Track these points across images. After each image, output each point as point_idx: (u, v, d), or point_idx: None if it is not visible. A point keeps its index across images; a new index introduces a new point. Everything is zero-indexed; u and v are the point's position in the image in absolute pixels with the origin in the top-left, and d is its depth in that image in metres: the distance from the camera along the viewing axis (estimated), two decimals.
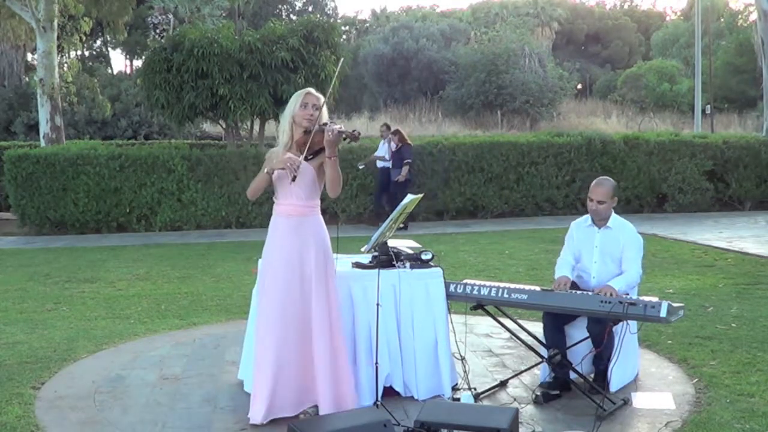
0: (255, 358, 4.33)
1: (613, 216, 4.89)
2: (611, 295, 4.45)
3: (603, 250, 4.83)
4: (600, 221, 4.87)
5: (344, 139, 4.10)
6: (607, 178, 4.98)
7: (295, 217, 4.26)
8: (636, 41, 54.22)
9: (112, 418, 4.49)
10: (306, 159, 4.21)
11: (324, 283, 4.27)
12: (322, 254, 4.29)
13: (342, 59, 5.16)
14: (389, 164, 13.65)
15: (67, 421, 4.45)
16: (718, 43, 43.27)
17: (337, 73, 5.17)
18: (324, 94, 4.38)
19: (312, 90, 4.35)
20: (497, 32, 38.44)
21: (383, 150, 13.85)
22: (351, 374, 4.39)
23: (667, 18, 59.20)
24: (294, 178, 4.13)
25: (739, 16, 46.50)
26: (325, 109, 4.29)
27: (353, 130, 4.14)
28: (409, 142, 13.83)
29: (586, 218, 4.97)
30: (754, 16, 28.32)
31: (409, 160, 13.40)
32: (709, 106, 32.52)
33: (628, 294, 4.67)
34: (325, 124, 4.19)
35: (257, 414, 4.22)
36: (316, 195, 4.32)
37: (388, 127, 14.23)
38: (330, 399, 4.23)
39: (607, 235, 4.85)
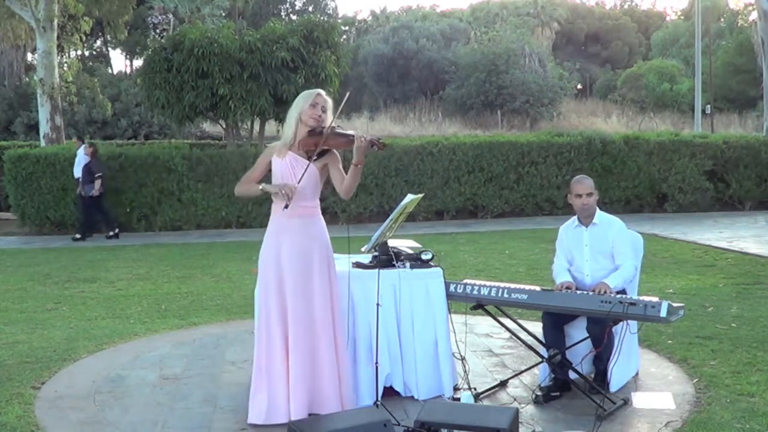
0: (255, 360, 4.32)
1: (599, 212, 4.92)
2: (605, 292, 4.46)
3: (593, 248, 4.85)
4: (587, 218, 4.89)
5: (372, 146, 4.11)
6: (583, 176, 5.05)
7: (298, 218, 4.24)
8: (636, 41, 54.20)
9: (112, 418, 4.49)
10: (312, 160, 4.20)
11: (327, 283, 4.27)
12: (325, 254, 4.29)
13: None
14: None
15: (67, 421, 4.45)
16: (718, 43, 43.28)
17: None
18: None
19: (323, 92, 4.34)
20: (497, 32, 38.47)
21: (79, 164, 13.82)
22: (351, 375, 4.40)
23: (667, 18, 59.27)
24: (287, 206, 4.12)
25: (739, 16, 46.53)
26: (330, 114, 4.29)
27: (379, 139, 4.15)
28: (98, 156, 13.79)
29: (573, 220, 5.00)
30: (754, 16, 28.33)
31: (101, 174, 13.44)
32: (709, 106, 32.53)
33: (625, 289, 4.68)
34: (332, 127, 4.18)
35: (254, 416, 4.22)
36: (317, 195, 4.32)
37: (81, 140, 14.41)
38: (335, 400, 4.23)
39: (594, 231, 4.87)
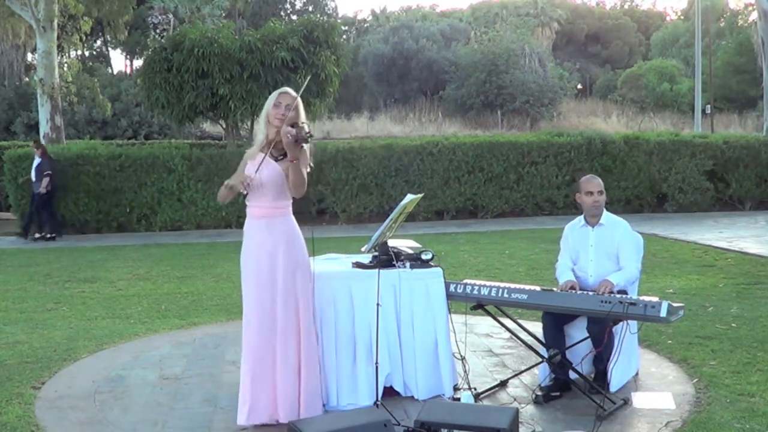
0: (242, 361, 4.31)
1: (605, 213, 4.92)
2: (607, 288, 4.47)
3: (599, 248, 4.85)
4: (594, 218, 4.89)
5: (296, 142, 4.04)
6: (593, 174, 5.06)
7: (264, 219, 4.22)
8: (636, 41, 54.22)
9: (112, 417, 4.49)
10: (276, 159, 4.17)
11: (292, 285, 4.21)
12: (292, 255, 4.22)
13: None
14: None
15: (67, 421, 4.45)
16: (718, 43, 43.29)
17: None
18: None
19: (288, 90, 4.30)
20: (497, 32, 38.51)
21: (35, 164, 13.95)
22: (316, 381, 4.30)
23: (667, 18, 59.32)
24: (245, 196, 4.16)
25: (739, 16, 46.56)
26: (301, 110, 4.25)
27: (306, 132, 4.07)
28: (50, 155, 13.92)
29: (579, 219, 5.00)
30: (754, 16, 28.33)
31: (49, 172, 13.55)
32: (709, 106, 32.54)
33: (626, 290, 4.68)
34: (294, 125, 4.15)
35: (241, 416, 4.21)
36: (285, 196, 4.25)
37: (35, 142, 14.67)
38: (291, 407, 4.17)
39: (601, 232, 4.87)
